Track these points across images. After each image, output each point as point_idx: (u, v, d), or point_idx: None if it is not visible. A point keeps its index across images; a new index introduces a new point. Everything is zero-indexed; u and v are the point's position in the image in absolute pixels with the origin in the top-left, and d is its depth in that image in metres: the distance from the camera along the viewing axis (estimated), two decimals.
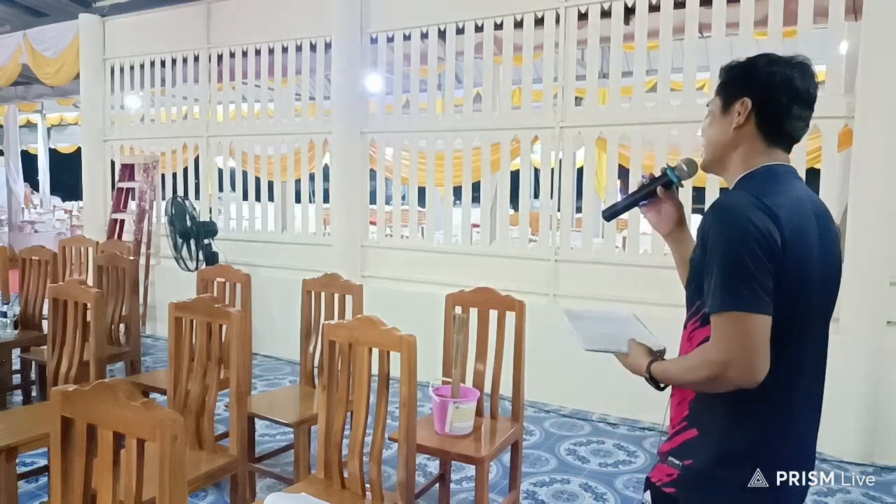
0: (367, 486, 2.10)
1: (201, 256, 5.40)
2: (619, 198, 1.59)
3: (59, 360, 2.84)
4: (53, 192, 13.92)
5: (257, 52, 5.69)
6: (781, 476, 1.26)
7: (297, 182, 5.56)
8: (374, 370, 2.09)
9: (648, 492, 1.37)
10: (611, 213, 1.63)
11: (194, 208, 5.56)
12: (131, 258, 4.14)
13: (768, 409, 1.24)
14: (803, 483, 1.31)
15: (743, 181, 1.30)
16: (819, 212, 1.30)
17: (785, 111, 1.29)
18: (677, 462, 1.31)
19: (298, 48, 5.43)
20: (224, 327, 2.44)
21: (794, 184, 1.29)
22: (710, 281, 1.20)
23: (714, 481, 1.26)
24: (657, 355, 1.38)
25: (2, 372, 3.95)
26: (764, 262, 1.15)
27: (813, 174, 3.89)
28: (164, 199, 6.16)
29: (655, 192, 1.50)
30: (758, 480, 1.24)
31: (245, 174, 6.13)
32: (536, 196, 4.94)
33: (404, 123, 5.16)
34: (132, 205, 6.28)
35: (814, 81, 1.30)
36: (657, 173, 1.52)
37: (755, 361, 1.15)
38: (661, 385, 1.35)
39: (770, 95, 1.29)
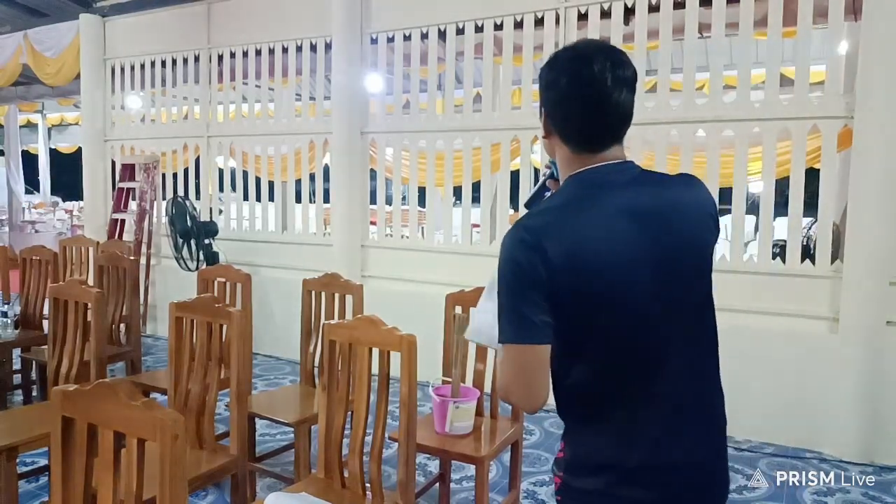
0: (368, 485, 2.10)
1: (202, 256, 5.40)
2: None
3: (60, 359, 2.84)
4: (54, 192, 13.92)
5: (257, 53, 5.69)
6: (632, 487, 1.21)
7: (298, 182, 5.56)
8: (375, 370, 2.09)
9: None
10: (528, 203, 1.61)
11: (195, 208, 5.56)
12: (132, 258, 4.15)
13: (608, 419, 1.22)
14: (685, 489, 1.24)
15: (555, 193, 1.29)
16: (643, 206, 1.18)
17: (578, 117, 1.20)
18: (558, 472, 1.32)
19: (298, 48, 5.43)
20: (224, 327, 2.44)
21: (604, 191, 1.19)
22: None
23: (577, 492, 1.26)
24: None
25: (2, 372, 3.95)
26: (528, 293, 1.14)
27: (813, 174, 3.90)
28: (164, 199, 6.17)
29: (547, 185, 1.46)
30: (607, 491, 1.21)
31: (245, 174, 6.13)
32: None
33: (404, 123, 5.16)
34: (133, 205, 6.28)
35: (606, 67, 1.16)
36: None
37: (530, 389, 1.17)
38: None
39: (556, 107, 1.22)
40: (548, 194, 1.47)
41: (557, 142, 1.25)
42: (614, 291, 1.15)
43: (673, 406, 1.22)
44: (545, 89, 1.24)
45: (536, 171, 4.82)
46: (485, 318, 1.45)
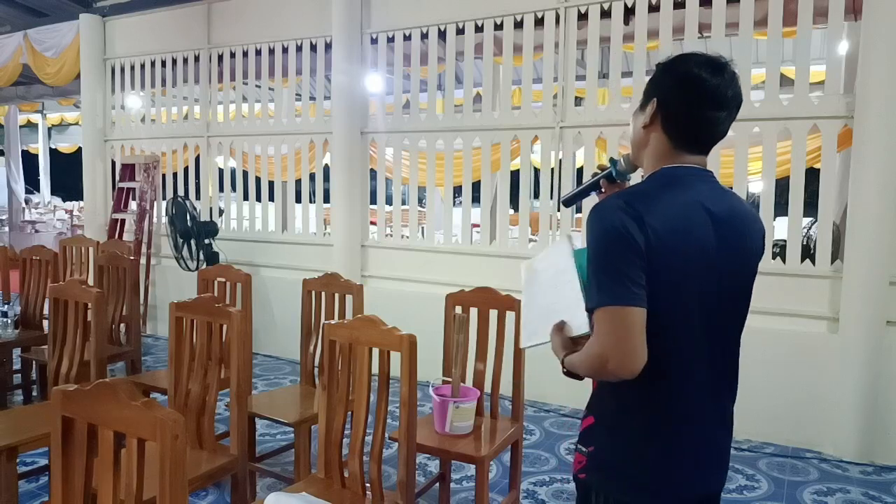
0: (368, 485, 2.10)
1: (202, 256, 5.40)
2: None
3: (60, 359, 2.84)
4: (54, 192, 13.92)
5: (257, 52, 5.70)
6: (672, 459, 1.29)
7: (298, 182, 5.56)
8: (375, 370, 2.09)
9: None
10: (567, 200, 1.71)
11: (195, 208, 5.56)
12: (132, 258, 4.16)
13: (652, 395, 1.27)
14: (703, 468, 1.34)
15: (644, 180, 1.33)
16: (721, 211, 1.28)
17: (691, 116, 1.28)
18: (584, 449, 1.35)
19: (298, 48, 5.44)
20: (224, 327, 2.44)
21: (691, 187, 1.28)
22: (588, 279, 1.24)
23: (612, 465, 1.30)
24: (574, 345, 1.36)
25: (2, 372, 3.95)
26: (630, 257, 1.18)
27: (813, 174, 3.90)
28: (164, 199, 6.17)
29: (600, 183, 1.54)
30: (649, 463, 1.28)
31: (245, 174, 6.14)
32: (536, 196, 4.94)
33: (404, 123, 5.16)
34: (133, 205, 6.28)
35: (729, 82, 1.28)
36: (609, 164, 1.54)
37: (630, 353, 1.18)
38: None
39: (675, 99, 1.29)
40: (597, 191, 1.55)
41: (658, 134, 1.31)
42: (690, 280, 1.24)
43: (707, 395, 1.33)
44: (683, 86, 1.28)
45: (537, 170, 4.81)
46: (534, 319, 1.48)
